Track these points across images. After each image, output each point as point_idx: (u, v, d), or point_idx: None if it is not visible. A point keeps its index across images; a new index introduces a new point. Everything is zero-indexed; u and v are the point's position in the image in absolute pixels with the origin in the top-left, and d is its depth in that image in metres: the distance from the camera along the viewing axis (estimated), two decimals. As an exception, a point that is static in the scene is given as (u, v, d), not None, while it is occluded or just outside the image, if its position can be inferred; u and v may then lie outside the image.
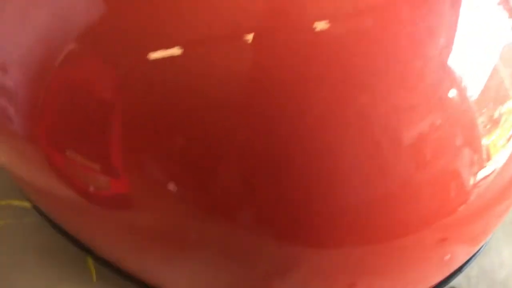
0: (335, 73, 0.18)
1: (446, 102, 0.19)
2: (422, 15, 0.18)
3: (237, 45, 0.18)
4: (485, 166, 0.21)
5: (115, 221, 0.22)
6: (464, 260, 0.27)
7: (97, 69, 0.19)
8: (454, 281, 0.28)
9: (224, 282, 0.23)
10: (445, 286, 0.27)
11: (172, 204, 0.20)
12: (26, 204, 0.35)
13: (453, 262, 0.26)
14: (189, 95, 0.18)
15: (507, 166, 0.21)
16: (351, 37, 0.18)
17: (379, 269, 0.22)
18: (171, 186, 0.19)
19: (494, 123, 0.20)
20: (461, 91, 0.19)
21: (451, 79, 0.19)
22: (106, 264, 0.29)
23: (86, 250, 0.30)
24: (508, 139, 0.21)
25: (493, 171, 0.21)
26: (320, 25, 0.18)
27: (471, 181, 0.21)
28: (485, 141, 0.20)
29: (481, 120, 0.20)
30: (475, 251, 0.28)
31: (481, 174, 0.21)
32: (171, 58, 0.18)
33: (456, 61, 0.19)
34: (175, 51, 0.18)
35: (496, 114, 0.20)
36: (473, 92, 0.19)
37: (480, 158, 0.20)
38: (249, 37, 0.18)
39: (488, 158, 0.21)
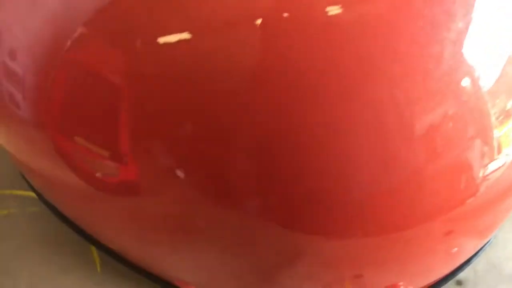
0: (348, 59, 0.18)
1: (459, 91, 0.19)
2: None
3: (248, 29, 0.18)
4: (496, 159, 0.20)
5: (122, 209, 0.22)
6: (472, 254, 0.27)
7: (106, 53, 0.19)
8: (461, 274, 0.28)
9: (231, 271, 0.23)
10: (451, 279, 0.27)
11: (180, 191, 0.20)
12: (30, 194, 0.35)
13: (460, 255, 0.26)
14: (199, 80, 0.18)
15: (518, 159, 0.21)
16: (364, 21, 0.18)
17: (386, 260, 0.22)
18: (180, 173, 0.19)
19: (507, 114, 0.20)
20: (475, 80, 0.19)
21: (465, 67, 0.19)
22: (110, 254, 0.29)
23: (90, 239, 0.29)
24: (521, 131, 0.21)
25: (503, 164, 0.21)
26: (333, 10, 0.18)
27: (481, 173, 0.20)
28: (496, 133, 0.20)
29: (493, 111, 0.19)
30: (483, 244, 0.28)
31: (491, 167, 0.21)
32: (181, 43, 0.18)
33: (471, 48, 0.18)
34: (185, 35, 0.18)
35: (509, 105, 0.20)
36: (487, 81, 0.19)
37: (491, 150, 0.20)
38: (261, 20, 0.17)
39: (499, 151, 0.20)
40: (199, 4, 0.18)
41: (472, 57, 0.19)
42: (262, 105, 0.18)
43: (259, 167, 0.19)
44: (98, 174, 0.21)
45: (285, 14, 0.17)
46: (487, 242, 0.28)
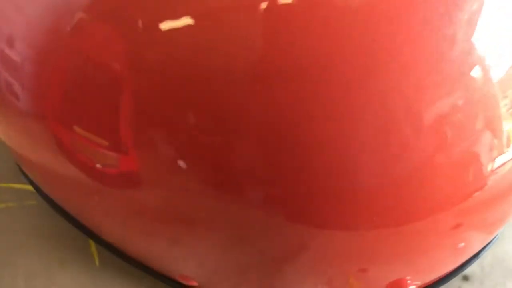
0: (355, 44, 0.17)
1: (470, 80, 0.18)
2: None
3: (253, 14, 0.17)
4: (505, 152, 0.20)
5: (122, 201, 0.22)
6: (479, 249, 0.27)
7: (107, 40, 0.19)
8: (467, 269, 0.28)
9: (233, 265, 0.23)
10: (458, 274, 0.27)
11: (182, 182, 0.20)
12: (27, 187, 0.35)
13: (467, 249, 0.26)
14: (203, 66, 0.18)
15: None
16: (373, 3, 0.17)
17: (392, 254, 0.22)
18: (182, 163, 0.19)
19: (518, 106, 0.20)
20: (485, 70, 0.18)
21: (476, 55, 0.18)
22: (109, 248, 0.29)
23: (89, 233, 0.29)
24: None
25: (513, 157, 0.21)
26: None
27: (490, 167, 0.20)
28: (506, 126, 0.20)
29: (504, 103, 0.19)
30: (490, 239, 0.27)
31: (500, 160, 0.20)
32: (184, 28, 0.18)
33: (482, 35, 0.18)
34: (188, 21, 0.18)
35: (520, 97, 0.20)
36: (498, 71, 0.19)
37: (501, 143, 0.20)
38: (265, 4, 0.17)
39: (509, 144, 0.20)
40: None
41: (484, 44, 0.18)
42: (267, 93, 0.18)
43: (263, 158, 0.18)
44: (98, 166, 0.21)
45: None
46: (494, 237, 0.28)
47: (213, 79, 0.18)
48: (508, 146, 0.20)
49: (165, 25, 0.18)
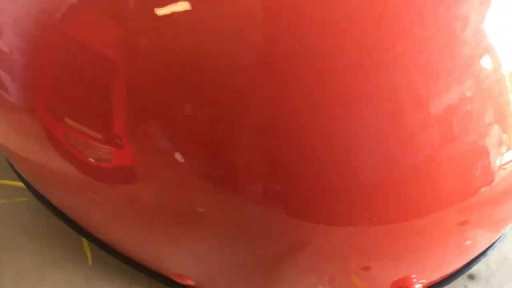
0: (358, 32, 0.17)
1: (479, 71, 0.18)
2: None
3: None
4: (514, 147, 0.20)
5: (116, 197, 0.22)
6: (485, 247, 0.27)
7: (101, 27, 0.19)
8: (473, 268, 0.27)
9: (231, 263, 0.23)
10: (464, 273, 0.27)
11: (179, 176, 0.19)
12: (18, 184, 0.35)
13: (474, 248, 0.26)
14: (201, 54, 0.17)
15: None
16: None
17: (395, 252, 0.22)
18: (179, 156, 0.19)
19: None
20: (496, 60, 0.18)
21: (487, 45, 0.18)
22: (102, 246, 0.29)
23: (81, 231, 0.29)
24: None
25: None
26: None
27: (497, 162, 0.20)
28: (516, 119, 0.19)
29: (513, 95, 0.19)
30: (497, 237, 0.27)
31: (509, 155, 0.20)
32: (181, 14, 0.17)
33: (493, 25, 0.18)
34: (186, 5, 0.17)
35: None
36: (509, 62, 0.18)
37: (509, 137, 0.20)
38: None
39: (518, 138, 0.20)
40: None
41: (495, 34, 0.18)
42: (268, 83, 0.17)
43: (263, 150, 0.18)
44: (91, 160, 0.21)
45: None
46: (500, 236, 0.28)
47: (212, 67, 0.17)
48: (517, 141, 0.20)
49: (161, 10, 0.17)
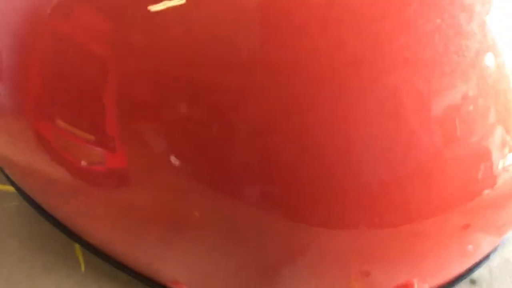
0: (357, 31, 0.17)
1: (482, 71, 0.18)
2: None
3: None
4: (517, 149, 0.20)
5: (110, 202, 0.22)
6: (488, 252, 0.27)
7: (91, 22, 0.18)
8: (475, 273, 0.27)
9: (228, 269, 0.23)
10: (465, 278, 0.27)
11: (174, 179, 0.19)
12: (8, 188, 0.35)
13: (476, 252, 0.26)
14: (196, 52, 0.17)
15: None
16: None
17: (397, 256, 0.22)
18: (174, 159, 0.18)
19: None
20: (499, 59, 0.18)
21: (490, 44, 0.18)
22: (95, 252, 0.29)
23: (74, 236, 0.29)
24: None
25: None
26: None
27: (501, 164, 0.20)
28: (520, 120, 0.19)
29: (517, 95, 0.19)
30: (499, 242, 0.27)
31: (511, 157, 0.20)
32: (175, 10, 0.17)
33: (496, 23, 0.18)
34: (179, 2, 0.17)
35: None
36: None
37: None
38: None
39: (522, 140, 0.20)
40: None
41: (498, 33, 0.18)
42: (267, 81, 0.17)
43: (261, 152, 0.18)
44: (83, 163, 0.21)
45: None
46: (504, 240, 0.28)
47: (208, 66, 0.17)
48: (520, 142, 0.20)
49: (155, 6, 0.17)
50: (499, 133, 0.19)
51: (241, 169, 0.18)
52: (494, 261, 0.32)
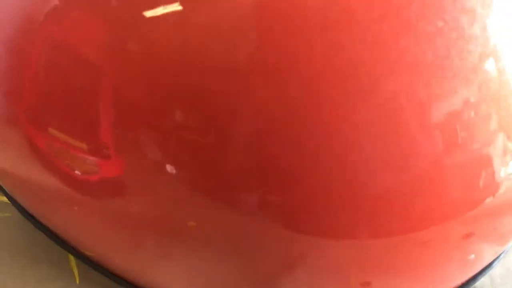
0: (356, 36, 0.17)
1: (483, 76, 0.18)
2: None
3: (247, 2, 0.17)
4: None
5: (105, 212, 0.21)
6: (490, 261, 0.27)
7: (85, 29, 0.18)
8: (476, 282, 0.27)
9: (226, 280, 0.22)
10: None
11: (170, 188, 0.19)
12: (1, 198, 0.35)
13: (478, 262, 0.25)
14: (193, 59, 0.17)
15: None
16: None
17: (398, 266, 0.22)
18: (170, 167, 0.18)
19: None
20: (501, 64, 0.18)
21: (491, 48, 0.18)
22: (91, 264, 0.29)
23: (68, 248, 0.28)
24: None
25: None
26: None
27: (503, 172, 0.20)
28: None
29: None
30: (501, 251, 0.27)
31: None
32: (171, 16, 0.17)
33: (498, 27, 0.18)
34: (176, 7, 0.17)
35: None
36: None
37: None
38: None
39: (524, 148, 0.20)
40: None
41: (500, 37, 0.18)
42: (265, 88, 0.17)
43: (259, 160, 0.18)
44: (77, 173, 0.20)
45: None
46: (506, 249, 0.28)
47: (205, 71, 0.17)
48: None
49: (151, 11, 0.17)
50: (500, 140, 0.19)
51: (239, 177, 0.18)
52: (497, 270, 0.32)
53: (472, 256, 0.23)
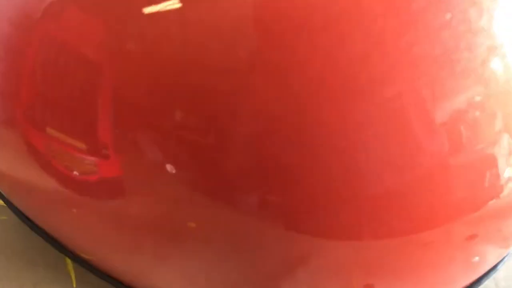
0: (357, 35, 0.17)
1: (488, 76, 0.18)
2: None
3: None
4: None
5: (103, 213, 0.21)
6: (494, 264, 0.27)
7: (84, 26, 0.18)
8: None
9: (226, 281, 0.22)
10: None
11: (170, 189, 0.19)
12: None
13: (482, 265, 0.25)
14: (192, 58, 0.17)
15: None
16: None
17: (401, 268, 0.22)
18: (170, 167, 0.18)
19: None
20: (506, 63, 0.18)
21: (497, 48, 0.18)
22: (88, 267, 0.28)
23: (65, 251, 0.28)
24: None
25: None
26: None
27: (507, 173, 0.20)
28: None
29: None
30: (505, 254, 0.27)
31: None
32: (170, 13, 0.17)
33: (503, 26, 0.18)
34: (174, 4, 0.17)
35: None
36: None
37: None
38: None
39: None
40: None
41: (505, 36, 0.18)
42: (265, 88, 0.17)
43: (259, 159, 0.18)
44: (75, 173, 0.20)
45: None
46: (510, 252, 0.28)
47: (205, 70, 0.17)
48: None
49: (150, 9, 0.17)
50: (505, 140, 0.19)
51: (239, 177, 0.18)
52: (501, 273, 0.31)
53: (476, 258, 0.23)
